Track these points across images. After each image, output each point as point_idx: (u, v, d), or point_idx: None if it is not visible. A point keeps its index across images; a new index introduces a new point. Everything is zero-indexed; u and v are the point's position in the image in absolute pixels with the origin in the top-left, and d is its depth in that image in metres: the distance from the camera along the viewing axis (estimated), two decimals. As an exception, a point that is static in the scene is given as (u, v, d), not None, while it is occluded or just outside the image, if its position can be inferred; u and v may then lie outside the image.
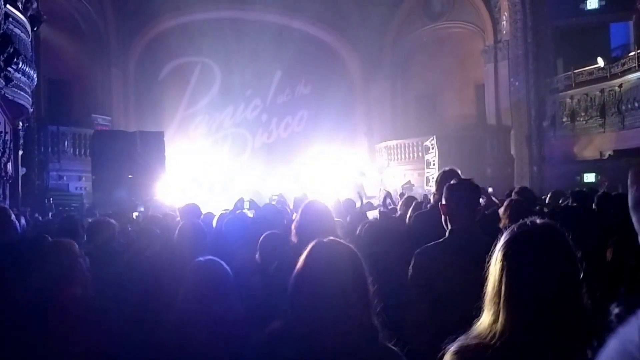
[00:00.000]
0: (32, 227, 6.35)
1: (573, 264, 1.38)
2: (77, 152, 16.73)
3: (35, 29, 12.67)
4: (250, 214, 5.75)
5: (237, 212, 5.54)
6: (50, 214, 10.63)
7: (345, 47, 22.05)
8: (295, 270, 1.61)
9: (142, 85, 20.03)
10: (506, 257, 1.39)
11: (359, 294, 1.56)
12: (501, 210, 3.58)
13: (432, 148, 17.72)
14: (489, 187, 7.63)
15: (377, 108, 21.93)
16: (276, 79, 21.77)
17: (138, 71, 20.10)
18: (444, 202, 2.66)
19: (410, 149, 20.00)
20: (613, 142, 14.36)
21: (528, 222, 1.44)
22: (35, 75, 11.84)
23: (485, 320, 1.40)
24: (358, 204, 8.70)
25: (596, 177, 14.01)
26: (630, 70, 13.77)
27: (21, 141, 13.41)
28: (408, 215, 4.65)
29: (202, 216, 5.32)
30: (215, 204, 10.06)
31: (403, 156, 20.29)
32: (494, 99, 18.76)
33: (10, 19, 10.17)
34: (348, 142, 20.82)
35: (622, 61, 14.31)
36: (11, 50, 9.66)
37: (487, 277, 1.44)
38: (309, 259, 1.60)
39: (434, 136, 17.74)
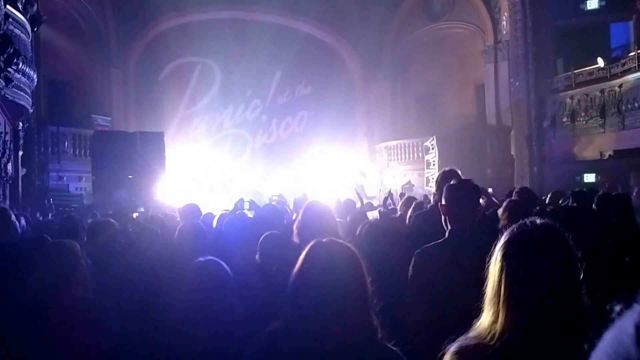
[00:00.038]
0: (33, 227, 6.35)
1: (573, 264, 1.38)
2: (77, 153, 16.73)
3: (35, 29, 12.68)
4: (250, 214, 5.75)
5: (237, 212, 5.54)
6: (50, 215, 10.64)
7: (345, 48, 22.06)
8: (295, 271, 1.61)
9: (142, 86, 20.04)
10: (506, 257, 1.39)
11: (358, 294, 1.56)
12: (500, 211, 3.58)
13: (432, 148, 17.72)
14: (489, 187, 7.63)
15: (377, 108, 21.93)
16: (276, 79, 21.78)
17: (138, 72, 20.11)
18: (443, 202, 2.66)
19: (410, 149, 20.00)
20: (613, 143, 14.35)
21: (528, 222, 1.44)
22: (35, 76, 11.85)
23: (484, 320, 1.40)
24: (358, 204, 8.71)
25: (596, 177, 14.01)
26: (630, 71, 13.77)
27: (21, 142, 13.43)
28: (408, 216, 4.65)
29: (201, 216, 5.32)
30: (215, 204, 10.06)
31: (403, 156, 20.30)
32: (494, 99, 18.76)
33: (10, 20, 10.17)
34: (348, 142, 20.83)
35: (622, 61, 14.31)
36: (11, 50, 9.66)
37: (486, 277, 1.44)
38: (308, 259, 1.60)
39: (434, 136, 17.75)
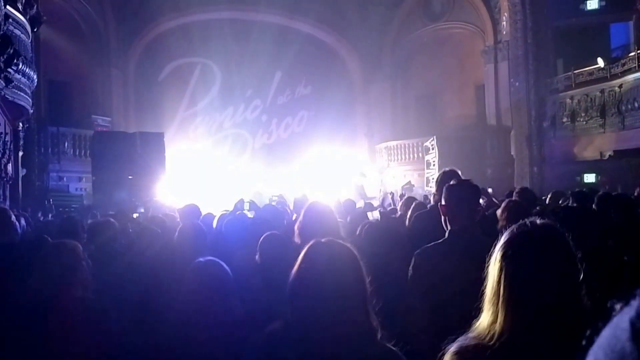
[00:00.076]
0: (33, 228, 6.36)
1: (572, 264, 1.37)
2: (77, 153, 16.73)
3: (35, 30, 12.67)
4: (250, 214, 5.75)
5: (237, 212, 5.54)
6: (50, 215, 10.64)
7: (345, 48, 22.06)
8: (294, 271, 1.61)
9: (142, 86, 20.04)
10: (505, 257, 1.39)
11: (357, 294, 1.56)
12: (499, 212, 3.58)
13: (432, 148, 17.72)
14: (489, 187, 7.63)
15: (377, 108, 21.93)
16: (276, 79, 21.78)
17: (138, 72, 20.11)
18: (443, 202, 2.66)
19: (411, 149, 20.00)
20: (613, 143, 14.35)
21: (527, 222, 1.44)
22: (35, 76, 11.85)
23: (484, 320, 1.40)
24: (360, 204, 8.71)
25: (596, 177, 14.00)
26: (630, 71, 13.77)
27: (21, 142, 13.42)
28: (408, 216, 4.65)
29: (201, 217, 5.32)
30: (215, 204, 10.06)
31: (403, 157, 20.30)
32: (494, 99, 18.76)
33: (10, 20, 10.17)
34: (348, 142, 20.83)
35: (622, 61, 14.31)
36: (11, 51, 9.66)
37: (486, 277, 1.44)
38: (307, 259, 1.61)
39: (434, 137, 17.75)
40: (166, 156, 14.46)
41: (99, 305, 2.48)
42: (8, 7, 9.98)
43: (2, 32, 9.42)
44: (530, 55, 16.61)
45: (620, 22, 16.77)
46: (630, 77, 13.68)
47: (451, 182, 2.73)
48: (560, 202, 6.24)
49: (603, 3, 15.98)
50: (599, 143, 14.81)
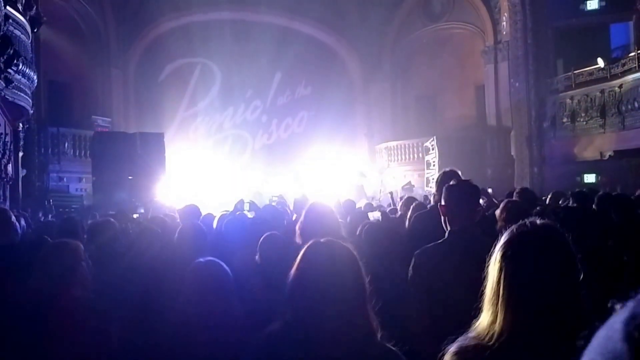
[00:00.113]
0: (34, 228, 6.36)
1: (572, 264, 1.37)
2: (77, 154, 16.72)
3: (35, 30, 12.67)
4: (250, 215, 5.75)
5: (237, 213, 5.54)
6: (50, 216, 10.63)
7: (345, 48, 22.06)
8: (292, 271, 1.61)
9: (142, 87, 20.04)
10: (505, 257, 1.39)
11: (356, 294, 1.55)
12: (498, 212, 3.58)
13: (432, 149, 17.72)
14: (489, 188, 7.63)
15: (377, 109, 21.93)
16: (276, 80, 21.77)
17: (138, 72, 20.11)
18: (443, 203, 2.67)
19: (411, 149, 20.00)
20: (613, 143, 14.36)
21: (527, 222, 1.44)
22: (35, 77, 11.85)
23: (484, 320, 1.40)
24: (361, 204, 8.71)
25: (596, 177, 14.00)
26: (630, 71, 13.78)
27: (21, 143, 13.42)
28: (408, 216, 4.65)
29: (201, 217, 5.33)
30: (215, 205, 10.06)
31: (403, 157, 20.29)
32: (494, 99, 18.76)
33: (10, 21, 10.17)
34: (348, 143, 20.83)
35: (622, 62, 14.32)
36: (11, 51, 9.66)
37: (486, 277, 1.44)
38: (305, 259, 1.60)
39: (434, 137, 17.74)
40: (166, 157, 14.45)
41: (98, 305, 2.48)
42: (8, 7, 9.99)
43: (2, 33, 9.42)
44: (530, 56, 16.61)
45: (620, 22, 16.77)
46: (630, 77, 13.69)
47: (451, 183, 2.73)
48: (560, 202, 6.25)
49: (603, 3, 15.98)
50: (599, 143, 14.81)
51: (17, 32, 10.61)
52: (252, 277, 3.14)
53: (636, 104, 13.44)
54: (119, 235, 4.01)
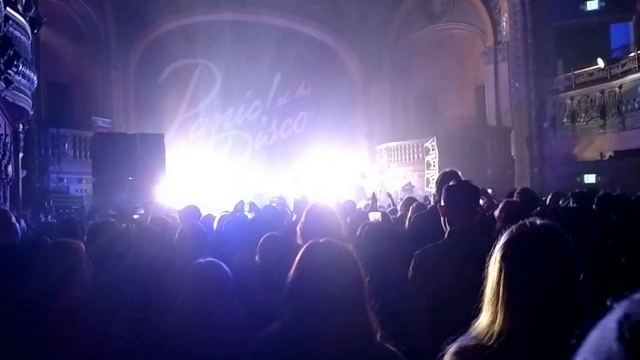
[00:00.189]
0: (34, 229, 6.36)
1: (572, 264, 1.37)
2: (77, 155, 16.72)
3: (35, 31, 12.68)
4: (250, 216, 5.75)
5: (237, 214, 5.54)
6: (49, 217, 10.63)
7: (345, 49, 22.07)
8: (291, 271, 1.61)
9: (142, 88, 20.05)
10: (505, 258, 1.39)
11: (355, 295, 1.55)
12: (496, 212, 3.58)
13: (433, 149, 17.72)
14: (489, 188, 7.63)
15: (377, 109, 21.93)
16: (276, 80, 21.78)
17: (138, 74, 20.12)
18: (442, 203, 2.67)
19: (411, 150, 19.99)
20: (613, 143, 14.36)
21: (527, 223, 1.44)
22: (35, 78, 11.86)
23: (483, 320, 1.40)
24: (361, 204, 8.70)
25: (596, 178, 14.00)
26: (630, 71, 13.78)
27: (21, 144, 13.43)
28: (408, 217, 4.65)
29: (201, 218, 5.32)
30: (216, 205, 10.06)
31: (403, 157, 20.29)
32: (494, 100, 18.77)
33: (11, 22, 10.17)
34: (348, 143, 20.83)
35: (622, 62, 14.32)
36: (11, 52, 9.66)
37: (486, 278, 1.44)
38: (304, 260, 1.61)
39: (434, 137, 17.74)
40: (166, 157, 14.45)
41: (98, 305, 2.48)
42: (8, 8, 9.99)
43: (2, 34, 9.42)
44: (530, 56, 16.61)
45: (620, 23, 16.77)
46: (630, 77, 13.70)
47: (450, 183, 2.73)
48: (560, 202, 6.25)
49: (603, 3, 15.98)
50: (599, 143, 14.82)
51: (17, 33, 10.62)
52: (252, 278, 3.14)
53: (636, 104, 13.44)
54: (119, 235, 4.01)
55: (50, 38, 15.61)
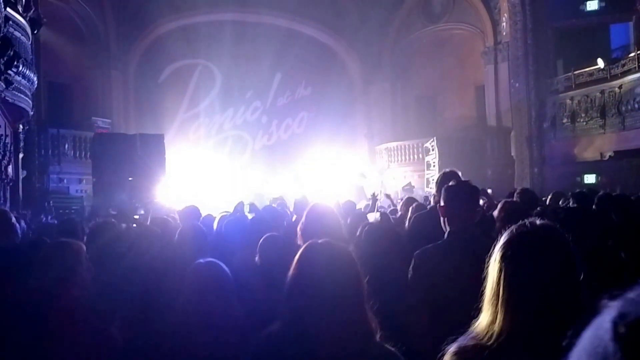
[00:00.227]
0: (34, 230, 6.36)
1: (572, 264, 1.37)
2: (77, 155, 16.72)
3: (35, 32, 12.68)
4: (250, 216, 5.75)
5: (237, 214, 5.54)
6: (49, 217, 10.64)
7: (345, 49, 22.06)
8: (290, 272, 1.61)
9: (142, 88, 20.05)
10: (504, 258, 1.39)
11: (354, 295, 1.55)
12: (495, 212, 3.58)
13: (433, 149, 17.72)
14: (489, 188, 7.62)
15: (377, 109, 21.92)
16: (276, 81, 21.78)
17: (138, 74, 20.12)
18: (442, 203, 2.67)
19: (411, 150, 19.99)
20: (613, 143, 14.36)
21: (527, 223, 1.44)
22: (35, 78, 11.86)
23: (483, 320, 1.40)
24: (361, 205, 8.71)
25: (596, 178, 14.01)
26: (630, 71, 13.78)
27: (21, 144, 13.43)
28: (408, 217, 4.65)
29: (201, 218, 5.33)
30: (216, 206, 10.06)
31: (403, 158, 20.29)
32: (494, 100, 18.77)
33: (11, 22, 10.18)
34: (348, 143, 20.82)
35: (622, 62, 14.32)
36: (11, 53, 9.67)
37: (486, 278, 1.44)
38: (303, 260, 1.61)
39: (434, 138, 17.74)
40: (166, 158, 14.45)
41: (99, 305, 2.48)
42: (8, 9, 9.99)
43: (2, 34, 9.42)
44: (530, 56, 16.61)
45: (620, 23, 16.78)
46: (630, 77, 13.70)
47: (450, 183, 2.73)
48: (560, 202, 6.25)
49: (603, 4, 15.99)
50: (599, 144, 14.82)
51: (17, 34, 10.62)
52: (252, 278, 3.14)
53: (636, 104, 13.45)
54: (120, 235, 4.01)
55: (50, 38, 15.61)
